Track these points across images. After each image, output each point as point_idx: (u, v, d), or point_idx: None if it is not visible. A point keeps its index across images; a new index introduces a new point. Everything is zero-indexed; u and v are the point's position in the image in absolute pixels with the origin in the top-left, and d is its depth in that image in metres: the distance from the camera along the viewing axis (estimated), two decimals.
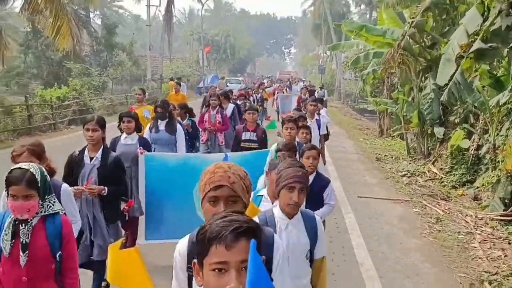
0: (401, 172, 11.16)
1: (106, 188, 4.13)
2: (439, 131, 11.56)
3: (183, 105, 8.25)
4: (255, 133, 6.69)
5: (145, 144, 5.37)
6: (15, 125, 15.48)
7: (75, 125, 18.31)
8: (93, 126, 4.16)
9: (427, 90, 11.39)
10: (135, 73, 34.44)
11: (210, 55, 52.33)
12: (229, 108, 9.38)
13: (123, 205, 4.56)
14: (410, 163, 12.02)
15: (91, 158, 4.20)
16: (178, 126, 6.51)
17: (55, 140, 14.36)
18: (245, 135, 6.69)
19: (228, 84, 33.05)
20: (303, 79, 48.57)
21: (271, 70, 72.14)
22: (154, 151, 6.00)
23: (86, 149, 4.27)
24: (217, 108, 8.43)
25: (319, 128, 7.76)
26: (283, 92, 22.22)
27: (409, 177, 10.72)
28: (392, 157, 13.21)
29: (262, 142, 6.64)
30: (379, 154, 13.54)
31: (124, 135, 5.35)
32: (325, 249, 2.78)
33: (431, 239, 6.78)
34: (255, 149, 6.23)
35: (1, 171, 2.92)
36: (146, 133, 6.35)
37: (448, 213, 7.95)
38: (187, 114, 8.04)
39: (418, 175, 10.79)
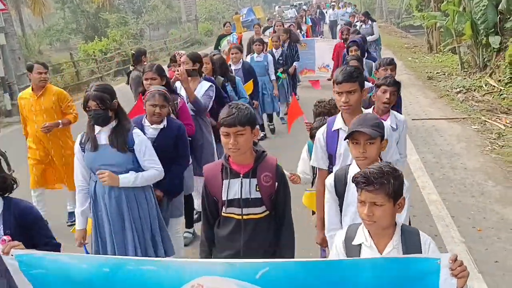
0: (456, 88, 10.67)
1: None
2: (494, 40, 10.81)
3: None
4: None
5: (19, 222, 2.31)
6: (65, 82, 15.93)
7: (121, 76, 18.60)
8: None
9: None
10: (170, 16, 34.12)
11: None
12: (201, 86, 4.82)
13: None
14: (465, 78, 11.45)
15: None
16: (137, 132, 3.30)
17: None
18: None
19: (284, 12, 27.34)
20: (349, 2, 36.22)
21: None
22: (94, 193, 3.28)
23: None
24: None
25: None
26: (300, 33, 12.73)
27: (464, 93, 10.25)
28: (444, 74, 12.62)
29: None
30: (430, 72, 12.97)
31: None
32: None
33: (494, 155, 6.56)
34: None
35: None
36: (76, 152, 3.28)
37: (511, 127, 7.62)
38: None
39: (474, 90, 10.29)
